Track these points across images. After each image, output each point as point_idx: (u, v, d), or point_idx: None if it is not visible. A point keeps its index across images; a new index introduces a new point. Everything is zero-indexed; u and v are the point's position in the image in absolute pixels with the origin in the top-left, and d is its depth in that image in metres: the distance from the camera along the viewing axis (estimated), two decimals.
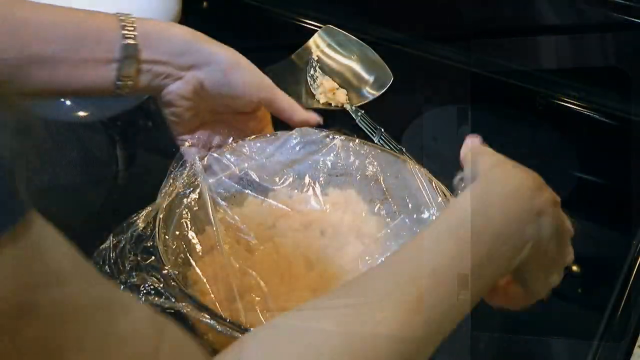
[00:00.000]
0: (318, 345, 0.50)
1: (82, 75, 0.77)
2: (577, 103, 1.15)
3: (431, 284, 0.54)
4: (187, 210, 0.79)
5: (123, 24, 0.78)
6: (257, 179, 0.85)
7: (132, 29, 0.78)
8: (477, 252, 0.57)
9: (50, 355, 0.39)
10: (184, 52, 0.80)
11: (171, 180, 0.80)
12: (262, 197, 0.85)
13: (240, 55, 0.83)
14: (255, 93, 0.83)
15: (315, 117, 0.87)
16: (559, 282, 0.68)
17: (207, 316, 0.66)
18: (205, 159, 0.83)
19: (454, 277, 0.55)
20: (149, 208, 0.76)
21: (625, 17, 1.10)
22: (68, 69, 0.76)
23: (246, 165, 0.85)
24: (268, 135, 0.86)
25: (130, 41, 0.78)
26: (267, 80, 0.84)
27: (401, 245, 0.58)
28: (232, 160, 0.84)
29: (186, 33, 0.81)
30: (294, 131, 0.86)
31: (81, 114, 1.03)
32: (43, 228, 0.39)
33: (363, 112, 1.06)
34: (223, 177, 0.84)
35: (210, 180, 0.82)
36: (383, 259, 0.81)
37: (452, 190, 0.73)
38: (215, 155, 0.84)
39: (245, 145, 0.85)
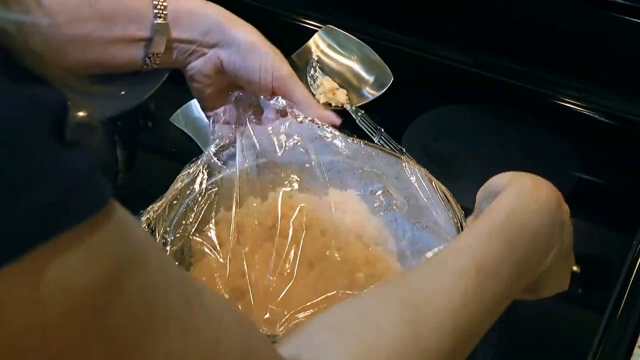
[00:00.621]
0: (378, 326, 0.52)
1: (113, 54, 0.79)
2: (577, 103, 1.15)
3: (476, 281, 0.56)
4: (187, 211, 0.79)
5: (155, 2, 0.80)
6: (258, 179, 0.85)
7: (163, 8, 0.80)
8: (516, 253, 0.59)
9: (137, 333, 0.39)
10: (210, 31, 0.82)
11: (176, 182, 0.80)
12: (262, 197, 0.85)
13: (263, 40, 0.84)
14: (270, 80, 0.83)
15: (331, 117, 0.86)
16: (567, 287, 0.71)
17: None
18: (205, 158, 0.83)
19: (496, 277, 0.57)
20: (150, 208, 0.76)
21: (626, 17, 1.10)
22: (100, 48, 0.78)
23: (246, 165, 0.85)
24: (270, 130, 0.86)
25: (161, 20, 0.80)
26: (284, 71, 0.84)
27: (446, 245, 0.61)
28: (233, 158, 0.85)
29: (215, 13, 0.83)
30: (294, 129, 0.86)
31: (81, 114, 1.03)
32: (122, 209, 0.39)
33: (363, 112, 1.06)
34: (223, 177, 0.84)
35: (211, 181, 0.82)
36: (385, 258, 0.81)
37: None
38: (215, 157, 0.84)
39: (244, 142, 0.85)
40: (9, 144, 0.34)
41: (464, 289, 0.55)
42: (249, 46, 0.82)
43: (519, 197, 0.62)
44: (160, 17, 0.79)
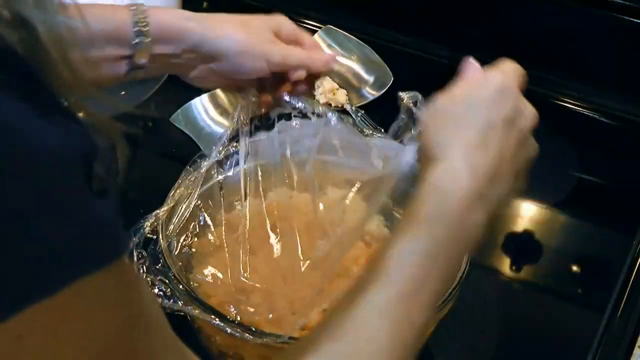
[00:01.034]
0: None
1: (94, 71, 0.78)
2: (577, 103, 1.15)
3: (401, 310, 0.55)
4: (189, 213, 0.79)
5: (136, 19, 0.77)
6: (258, 180, 0.86)
7: (145, 24, 0.77)
8: (439, 263, 0.57)
9: None
10: (196, 47, 0.80)
11: (179, 186, 0.80)
12: (263, 198, 0.85)
13: (249, 37, 0.81)
14: (268, 71, 0.82)
15: (330, 58, 0.87)
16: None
17: (216, 319, 0.66)
18: (207, 160, 0.83)
19: (422, 295, 0.55)
20: (155, 212, 0.76)
21: (625, 17, 1.10)
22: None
23: (247, 167, 0.85)
24: (271, 131, 0.86)
25: (143, 38, 0.77)
26: (276, 57, 0.82)
27: (364, 273, 0.58)
28: (234, 160, 0.85)
29: (199, 28, 0.80)
30: (295, 131, 0.86)
31: (80, 114, 1.03)
32: (132, 267, 0.41)
33: (363, 112, 1.05)
34: (224, 179, 0.84)
35: (212, 183, 0.83)
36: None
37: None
38: (215, 159, 0.84)
39: (248, 142, 0.85)
40: (43, 182, 0.34)
41: (390, 323, 0.54)
42: (237, 55, 0.81)
43: (441, 211, 0.57)
44: (141, 34, 0.77)
